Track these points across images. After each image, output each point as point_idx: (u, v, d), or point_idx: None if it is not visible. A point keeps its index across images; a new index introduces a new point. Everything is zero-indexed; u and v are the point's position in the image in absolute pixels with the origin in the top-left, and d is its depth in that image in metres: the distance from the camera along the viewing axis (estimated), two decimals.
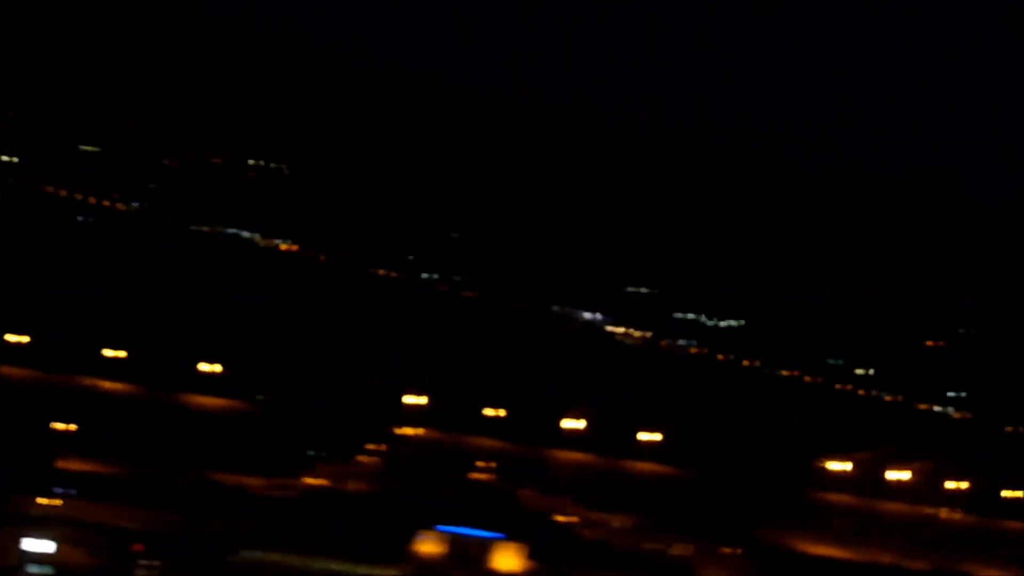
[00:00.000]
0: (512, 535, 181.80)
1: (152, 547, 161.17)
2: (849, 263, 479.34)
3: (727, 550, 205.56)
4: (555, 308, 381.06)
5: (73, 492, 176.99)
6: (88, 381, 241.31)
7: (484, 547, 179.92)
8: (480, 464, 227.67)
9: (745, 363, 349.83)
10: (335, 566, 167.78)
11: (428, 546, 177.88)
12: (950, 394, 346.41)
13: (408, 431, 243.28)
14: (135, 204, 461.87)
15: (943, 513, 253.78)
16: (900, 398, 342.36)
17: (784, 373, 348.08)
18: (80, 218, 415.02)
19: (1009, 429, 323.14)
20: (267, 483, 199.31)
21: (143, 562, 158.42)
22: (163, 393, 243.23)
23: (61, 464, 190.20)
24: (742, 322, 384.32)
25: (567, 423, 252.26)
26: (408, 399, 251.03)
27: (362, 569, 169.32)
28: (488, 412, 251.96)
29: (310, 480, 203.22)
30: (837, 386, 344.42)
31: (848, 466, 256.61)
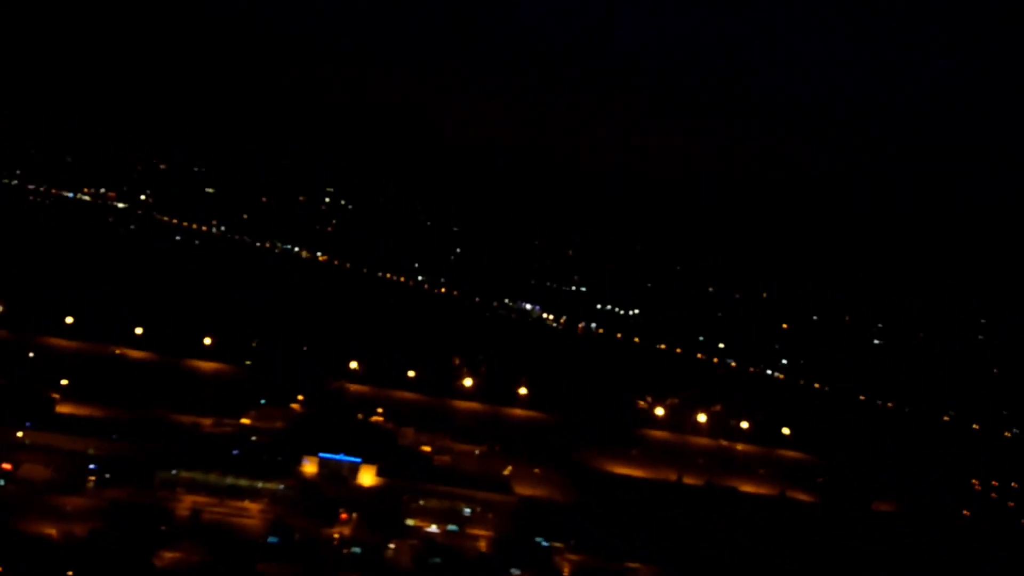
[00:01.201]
0: (369, 459, 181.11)
1: (104, 468, 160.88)
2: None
3: (538, 470, 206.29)
4: (504, 301, 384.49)
5: (61, 428, 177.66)
6: (110, 348, 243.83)
7: (349, 468, 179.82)
8: (379, 410, 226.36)
9: (620, 337, 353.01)
10: (235, 480, 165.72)
11: (309, 467, 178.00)
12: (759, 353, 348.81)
13: (342, 385, 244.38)
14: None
15: (729, 444, 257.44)
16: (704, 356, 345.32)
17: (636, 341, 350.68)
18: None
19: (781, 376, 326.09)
20: (214, 422, 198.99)
21: (91, 478, 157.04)
22: (169, 358, 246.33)
23: (60, 408, 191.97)
24: (638, 311, 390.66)
25: (466, 380, 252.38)
26: (351, 364, 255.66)
27: (257, 484, 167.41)
28: (409, 373, 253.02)
29: (245, 420, 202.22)
30: (661, 346, 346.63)
31: (661, 409, 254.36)
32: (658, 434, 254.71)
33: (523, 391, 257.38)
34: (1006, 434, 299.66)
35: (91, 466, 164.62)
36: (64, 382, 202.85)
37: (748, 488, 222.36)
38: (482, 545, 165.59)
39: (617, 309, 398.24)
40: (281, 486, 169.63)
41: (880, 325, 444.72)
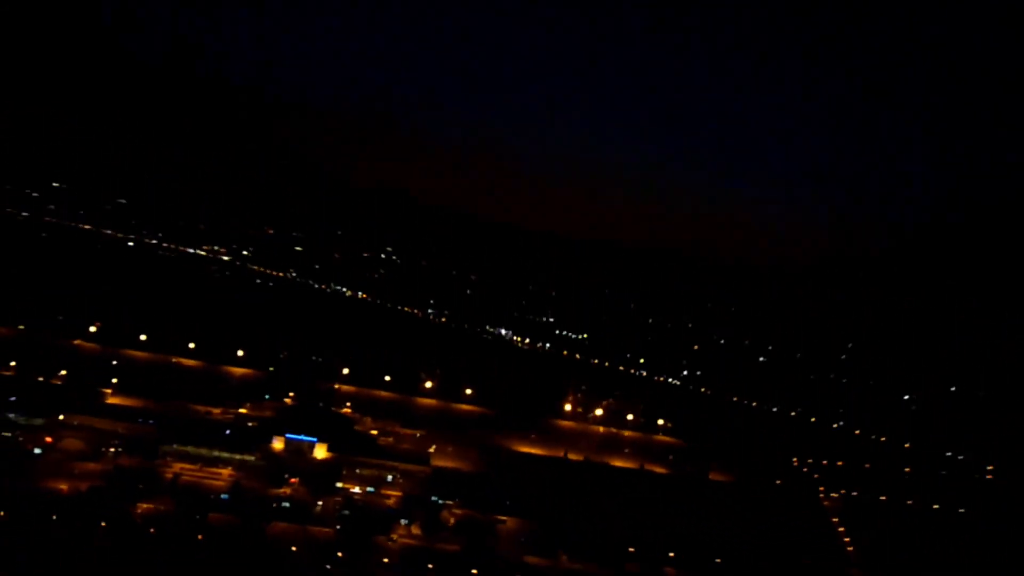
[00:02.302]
0: (322, 438, 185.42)
1: (123, 443, 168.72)
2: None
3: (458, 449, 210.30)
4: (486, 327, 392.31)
5: (102, 414, 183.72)
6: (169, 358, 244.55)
7: (307, 445, 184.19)
8: (348, 403, 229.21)
9: (565, 354, 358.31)
10: (219, 453, 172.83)
11: (277, 444, 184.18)
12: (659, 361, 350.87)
13: (331, 386, 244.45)
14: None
15: (615, 430, 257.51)
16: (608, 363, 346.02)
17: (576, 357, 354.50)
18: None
19: (659, 379, 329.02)
20: (221, 411, 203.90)
21: (111, 450, 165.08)
22: (211, 365, 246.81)
23: (111, 400, 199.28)
24: (586, 335, 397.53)
25: (427, 383, 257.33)
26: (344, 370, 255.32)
27: (235, 456, 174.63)
28: (386, 378, 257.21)
29: (243, 410, 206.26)
30: (594, 361, 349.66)
31: (569, 405, 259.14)
32: (566, 424, 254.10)
33: (468, 391, 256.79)
34: (833, 426, 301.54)
35: (115, 441, 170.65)
36: (115, 380, 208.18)
37: (617, 463, 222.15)
38: (390, 502, 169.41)
39: (570, 334, 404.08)
40: (252, 458, 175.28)
41: (763, 344, 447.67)
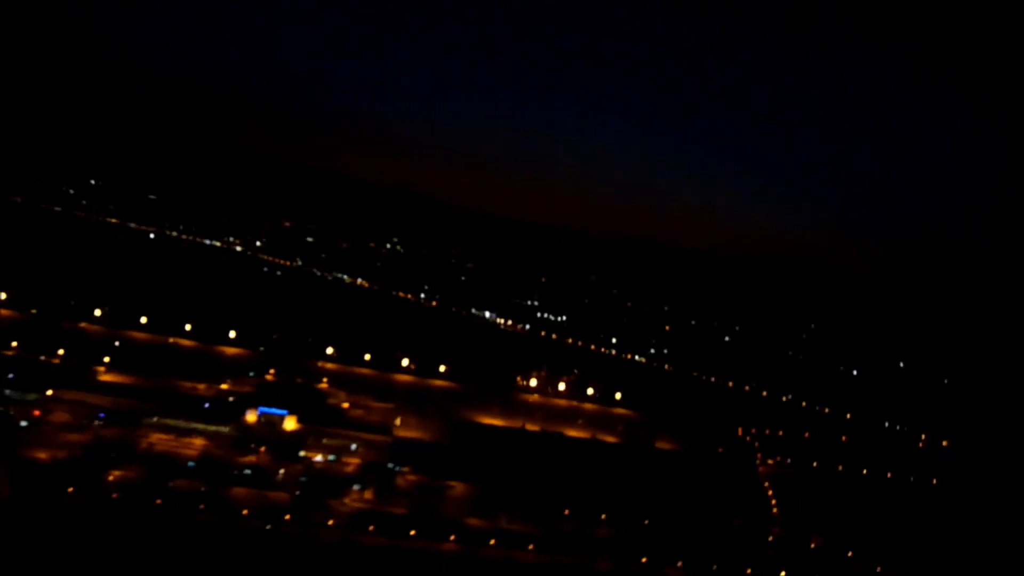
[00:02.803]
0: (293, 411, 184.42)
1: (108, 416, 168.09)
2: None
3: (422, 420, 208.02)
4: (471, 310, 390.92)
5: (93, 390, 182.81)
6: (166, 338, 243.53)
7: (278, 418, 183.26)
8: (325, 379, 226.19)
9: (543, 334, 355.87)
10: (197, 425, 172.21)
11: (250, 417, 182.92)
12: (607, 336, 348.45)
13: (313, 363, 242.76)
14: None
15: (576, 403, 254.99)
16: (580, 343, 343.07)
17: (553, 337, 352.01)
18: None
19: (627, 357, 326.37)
20: (207, 387, 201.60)
21: (97, 423, 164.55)
22: (205, 345, 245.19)
23: (103, 376, 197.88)
24: (564, 317, 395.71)
25: (404, 360, 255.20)
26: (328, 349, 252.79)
27: (211, 427, 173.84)
28: (366, 356, 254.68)
29: (224, 385, 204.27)
30: (568, 340, 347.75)
31: (534, 380, 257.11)
32: (531, 398, 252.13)
33: (442, 368, 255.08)
34: (783, 399, 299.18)
35: (100, 414, 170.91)
36: (107, 359, 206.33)
37: (572, 432, 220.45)
38: (348, 469, 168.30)
39: (550, 316, 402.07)
40: (225, 429, 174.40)
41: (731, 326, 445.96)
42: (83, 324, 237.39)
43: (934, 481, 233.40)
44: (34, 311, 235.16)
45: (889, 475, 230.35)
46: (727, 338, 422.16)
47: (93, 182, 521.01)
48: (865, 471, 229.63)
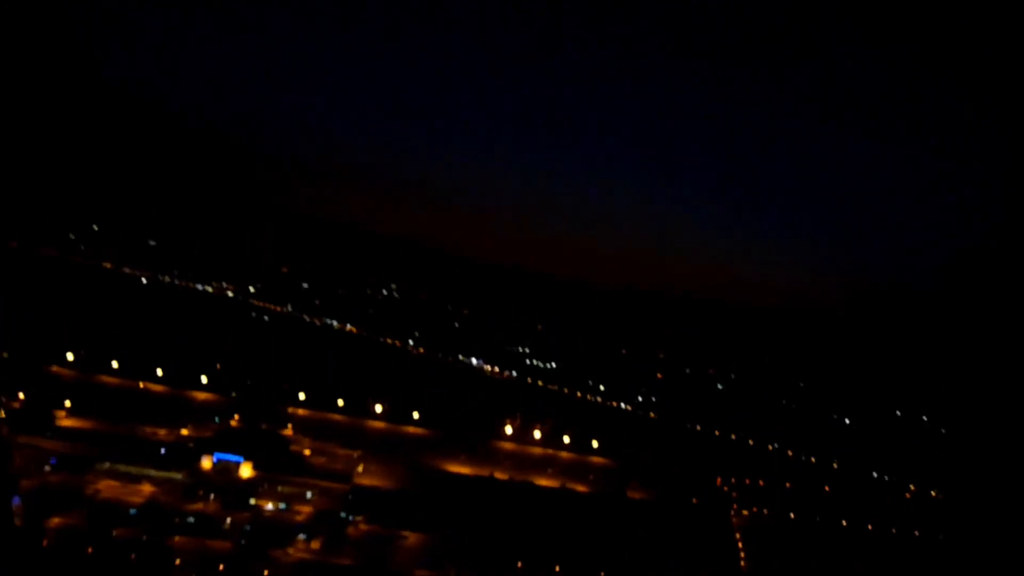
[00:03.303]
0: (250, 457, 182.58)
1: (60, 461, 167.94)
2: None
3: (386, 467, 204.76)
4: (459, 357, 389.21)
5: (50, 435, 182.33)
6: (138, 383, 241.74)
7: (234, 464, 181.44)
8: (290, 425, 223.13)
9: (529, 381, 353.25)
10: (150, 471, 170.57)
11: (205, 463, 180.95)
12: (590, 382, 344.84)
13: (283, 408, 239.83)
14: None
15: (552, 451, 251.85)
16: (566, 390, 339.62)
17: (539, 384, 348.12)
18: None
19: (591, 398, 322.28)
20: (168, 432, 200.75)
21: (47, 467, 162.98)
22: (177, 391, 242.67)
23: (63, 422, 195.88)
24: (553, 364, 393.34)
25: (377, 408, 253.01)
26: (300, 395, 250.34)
27: (163, 474, 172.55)
28: (339, 402, 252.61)
29: (185, 431, 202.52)
30: (552, 387, 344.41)
31: (509, 428, 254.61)
32: (506, 445, 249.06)
33: (416, 415, 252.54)
34: (749, 441, 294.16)
35: (52, 460, 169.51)
36: (68, 403, 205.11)
37: (542, 481, 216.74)
38: (298, 518, 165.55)
39: (539, 363, 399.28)
40: (179, 476, 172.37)
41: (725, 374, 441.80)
42: (54, 367, 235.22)
43: (916, 533, 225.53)
44: (5, 354, 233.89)
45: (870, 527, 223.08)
46: (720, 386, 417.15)
47: (95, 227, 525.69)
48: (845, 522, 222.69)
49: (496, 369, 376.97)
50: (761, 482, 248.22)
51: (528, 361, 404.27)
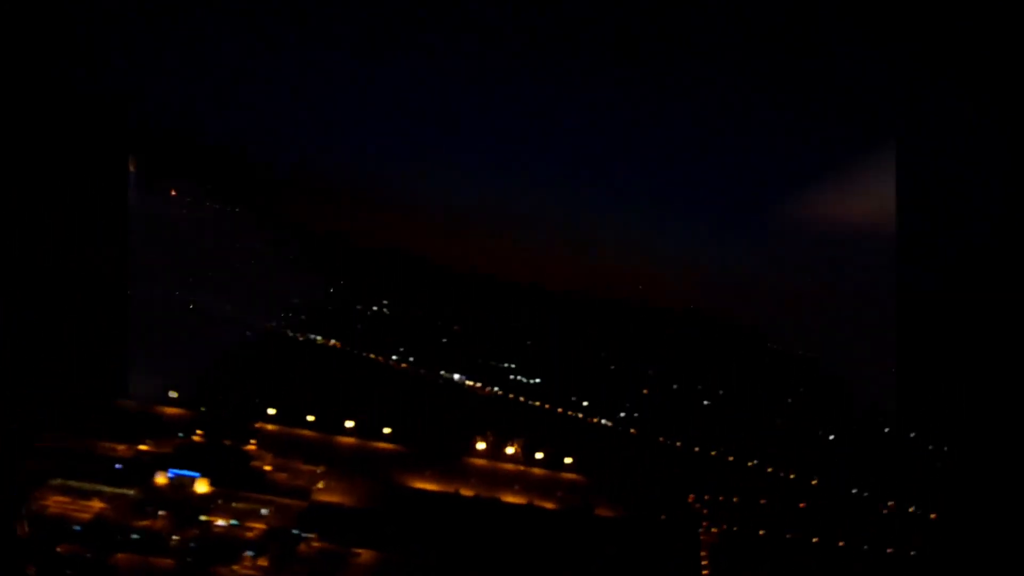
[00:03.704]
0: (207, 473, 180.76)
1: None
2: None
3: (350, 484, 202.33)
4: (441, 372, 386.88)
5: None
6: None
7: (189, 480, 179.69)
8: (254, 440, 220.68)
9: (511, 397, 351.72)
10: (102, 487, 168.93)
11: (160, 479, 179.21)
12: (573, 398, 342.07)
13: (251, 424, 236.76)
14: None
15: (524, 468, 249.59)
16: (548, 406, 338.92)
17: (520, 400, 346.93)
18: None
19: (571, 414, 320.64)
20: (126, 448, 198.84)
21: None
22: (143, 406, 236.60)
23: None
24: (538, 380, 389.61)
25: (348, 423, 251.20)
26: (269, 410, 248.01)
27: (115, 490, 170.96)
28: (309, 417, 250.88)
29: (143, 447, 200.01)
30: (535, 403, 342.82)
31: (482, 444, 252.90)
32: (477, 462, 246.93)
33: (387, 431, 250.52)
34: (728, 458, 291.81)
35: None
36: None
37: (509, 498, 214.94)
38: (250, 535, 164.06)
39: (523, 378, 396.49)
40: (131, 492, 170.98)
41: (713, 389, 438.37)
42: None
43: (889, 551, 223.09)
44: None
45: (841, 543, 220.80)
46: (706, 402, 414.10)
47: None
48: (816, 539, 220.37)
49: (478, 385, 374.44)
50: (735, 499, 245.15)
51: (512, 377, 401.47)
